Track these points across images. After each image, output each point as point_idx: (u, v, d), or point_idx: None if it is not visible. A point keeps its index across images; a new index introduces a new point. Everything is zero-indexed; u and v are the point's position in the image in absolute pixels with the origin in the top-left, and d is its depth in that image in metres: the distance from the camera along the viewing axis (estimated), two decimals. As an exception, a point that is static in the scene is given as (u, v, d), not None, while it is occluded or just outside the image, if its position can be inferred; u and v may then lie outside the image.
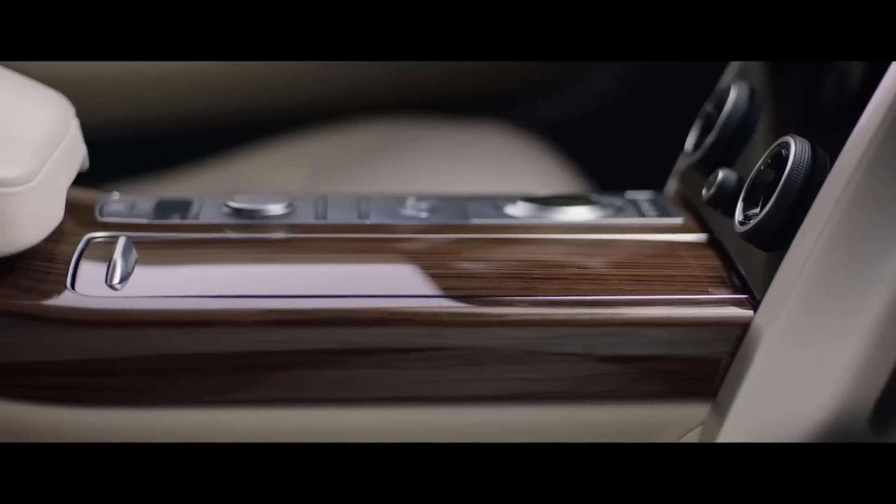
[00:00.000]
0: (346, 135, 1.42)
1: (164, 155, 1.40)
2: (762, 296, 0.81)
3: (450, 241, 0.89)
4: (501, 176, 1.31)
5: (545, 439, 0.82)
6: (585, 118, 1.53)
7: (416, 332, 0.80)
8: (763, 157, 0.85)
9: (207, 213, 0.91)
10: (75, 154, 0.88)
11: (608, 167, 1.40)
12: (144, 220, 0.90)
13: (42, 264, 0.83)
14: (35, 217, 0.81)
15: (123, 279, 0.82)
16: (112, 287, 0.82)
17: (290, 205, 0.92)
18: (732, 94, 0.92)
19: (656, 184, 1.10)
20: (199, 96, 1.46)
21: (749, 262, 0.84)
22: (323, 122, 1.44)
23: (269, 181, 1.33)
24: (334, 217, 0.91)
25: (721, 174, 0.88)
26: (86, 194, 0.92)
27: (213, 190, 1.29)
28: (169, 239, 0.88)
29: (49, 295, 0.80)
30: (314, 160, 1.37)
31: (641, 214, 0.94)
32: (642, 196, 0.97)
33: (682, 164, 0.99)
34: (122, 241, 0.85)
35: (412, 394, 0.81)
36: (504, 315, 0.81)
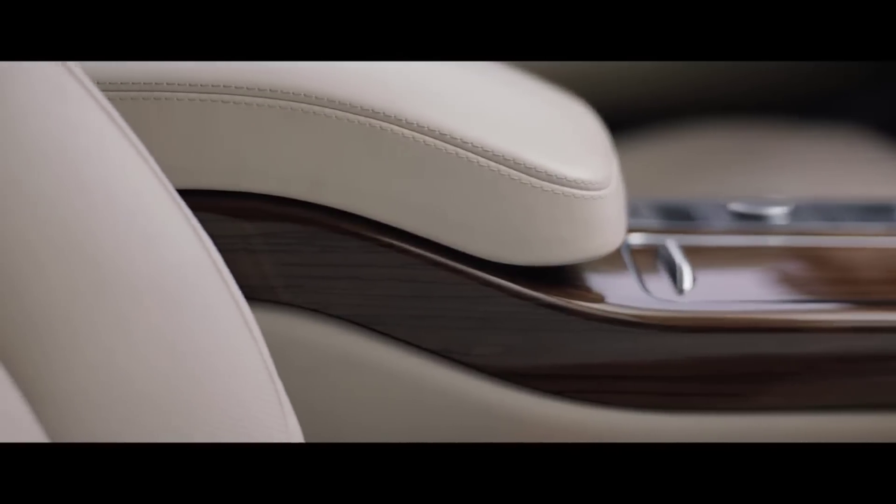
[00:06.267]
0: (696, 139, 1.41)
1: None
2: None
3: None
4: (869, 183, 1.31)
5: None
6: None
7: None
8: None
9: (714, 216, 0.91)
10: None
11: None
12: (660, 223, 0.89)
13: (606, 268, 0.82)
14: (617, 221, 0.80)
15: (693, 284, 0.82)
16: (681, 292, 0.81)
17: (794, 209, 0.91)
18: None
19: None
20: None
21: None
22: (668, 125, 1.44)
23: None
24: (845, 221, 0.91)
25: None
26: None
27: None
28: (701, 244, 0.88)
29: (636, 301, 0.80)
30: (663, 163, 1.36)
31: None
32: None
33: None
34: (673, 245, 0.85)
35: None
36: None
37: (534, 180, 0.76)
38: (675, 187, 1.29)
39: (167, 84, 0.76)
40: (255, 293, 0.78)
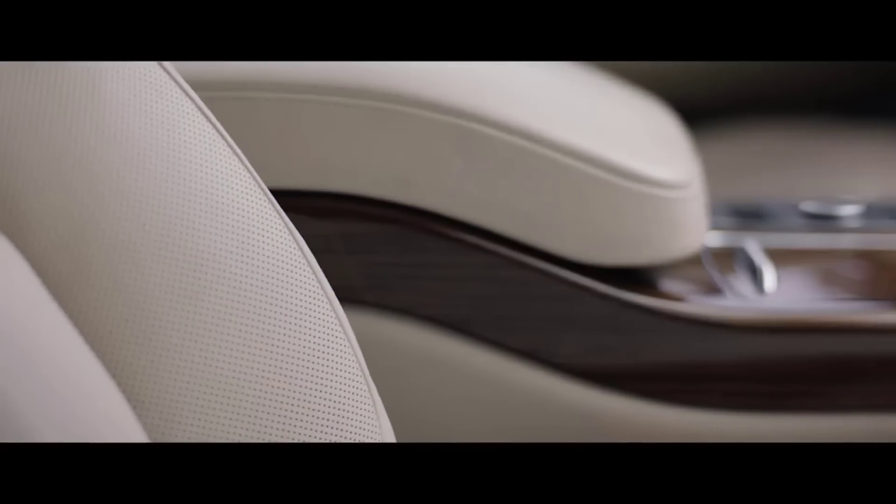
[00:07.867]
0: (751, 139, 1.41)
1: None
2: None
3: None
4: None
5: None
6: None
7: None
8: None
9: (786, 216, 0.91)
10: None
11: None
12: (733, 223, 0.89)
13: (686, 269, 0.82)
14: (700, 221, 0.80)
15: (775, 285, 0.82)
16: (762, 292, 0.81)
17: (866, 209, 0.91)
18: None
19: None
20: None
21: None
22: (712, 125, 1.43)
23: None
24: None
25: None
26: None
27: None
28: (776, 245, 0.88)
29: (720, 301, 0.80)
30: (726, 163, 1.36)
31: None
32: None
33: None
34: (753, 246, 0.85)
35: None
36: None
37: (620, 180, 0.76)
38: (741, 187, 1.29)
39: (254, 84, 0.75)
40: (340, 294, 0.78)
